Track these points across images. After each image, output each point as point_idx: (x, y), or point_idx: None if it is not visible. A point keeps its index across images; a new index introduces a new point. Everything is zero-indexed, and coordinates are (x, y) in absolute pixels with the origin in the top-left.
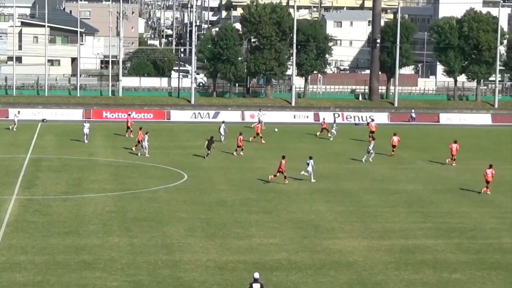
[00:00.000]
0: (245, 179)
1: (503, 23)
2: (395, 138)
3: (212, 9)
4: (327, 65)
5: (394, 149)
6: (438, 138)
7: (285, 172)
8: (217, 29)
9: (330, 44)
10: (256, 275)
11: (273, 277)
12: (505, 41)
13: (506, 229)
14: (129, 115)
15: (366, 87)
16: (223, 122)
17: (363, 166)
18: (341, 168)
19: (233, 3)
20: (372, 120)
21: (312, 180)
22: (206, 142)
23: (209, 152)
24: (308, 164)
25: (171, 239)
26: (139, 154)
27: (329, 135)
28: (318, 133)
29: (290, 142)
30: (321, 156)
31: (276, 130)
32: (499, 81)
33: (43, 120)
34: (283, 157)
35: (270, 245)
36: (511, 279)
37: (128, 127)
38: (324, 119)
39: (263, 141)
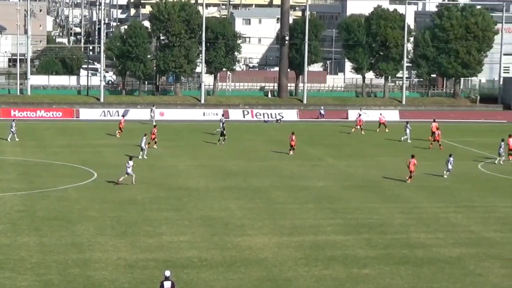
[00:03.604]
0: (155, 177)
1: (410, 21)
2: None
3: (120, 6)
4: (236, 63)
5: (511, 152)
6: (347, 135)
7: (413, 172)
8: (125, 27)
9: (239, 41)
10: (167, 273)
11: (184, 275)
12: (412, 38)
13: (414, 224)
14: (123, 116)
15: (275, 84)
16: (222, 115)
17: (273, 164)
18: (250, 166)
19: (142, 1)
20: (434, 120)
21: (445, 177)
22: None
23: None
24: (448, 161)
25: (81, 238)
26: (143, 156)
27: (403, 137)
28: (352, 130)
29: (200, 139)
30: (230, 153)
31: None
32: (406, 78)
33: None
34: (413, 156)
35: (180, 243)
36: (419, 274)
37: (120, 128)
38: (359, 115)
39: (362, 132)
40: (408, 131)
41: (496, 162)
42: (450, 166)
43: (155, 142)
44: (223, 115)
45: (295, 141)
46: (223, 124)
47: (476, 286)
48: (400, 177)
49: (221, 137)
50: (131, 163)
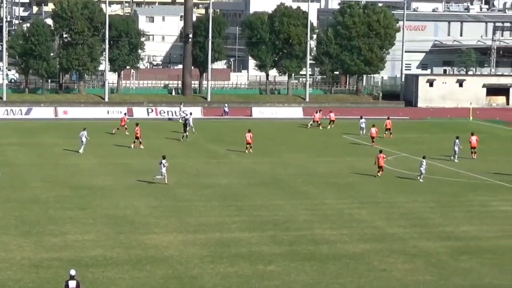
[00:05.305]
0: (59, 175)
1: (313, 18)
2: (474, 139)
3: (22, 4)
4: (140, 60)
5: (474, 150)
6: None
7: (383, 166)
8: (28, 24)
9: (143, 39)
10: (72, 272)
11: (89, 274)
12: (315, 36)
13: (318, 220)
14: (125, 114)
15: (179, 82)
16: (191, 113)
17: (178, 161)
18: (155, 163)
19: None
20: (388, 118)
21: (420, 180)
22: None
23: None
24: (421, 164)
25: None
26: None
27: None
28: (310, 124)
29: (103, 137)
30: (135, 151)
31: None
32: (310, 75)
33: None
34: (380, 151)
35: (85, 242)
36: (324, 270)
37: (123, 126)
38: (317, 112)
39: (320, 127)
40: (364, 125)
41: (452, 158)
42: (423, 169)
43: (140, 143)
44: (190, 113)
45: (252, 139)
46: (185, 119)
47: (380, 281)
48: (306, 174)
49: (184, 133)
50: (164, 162)
